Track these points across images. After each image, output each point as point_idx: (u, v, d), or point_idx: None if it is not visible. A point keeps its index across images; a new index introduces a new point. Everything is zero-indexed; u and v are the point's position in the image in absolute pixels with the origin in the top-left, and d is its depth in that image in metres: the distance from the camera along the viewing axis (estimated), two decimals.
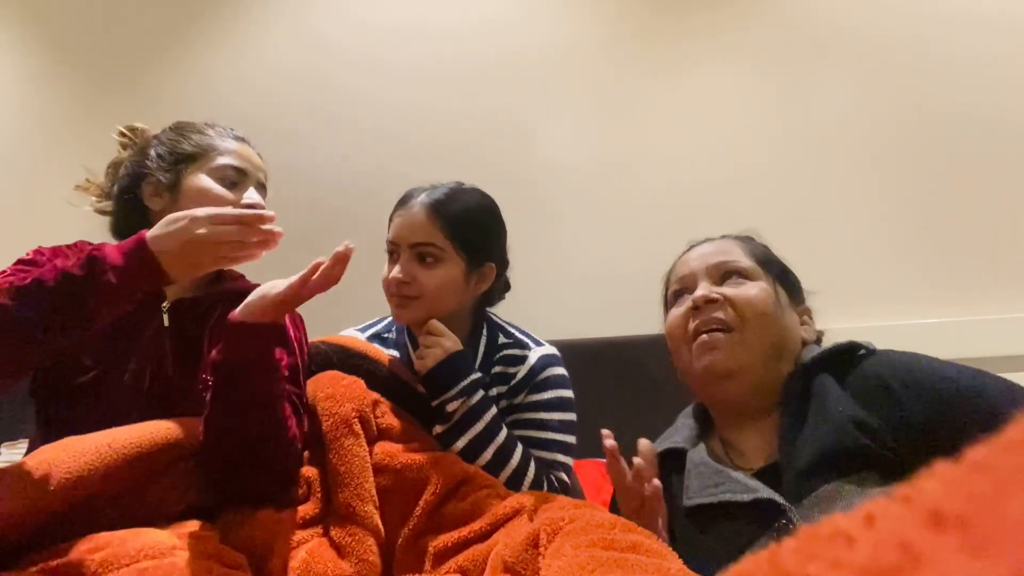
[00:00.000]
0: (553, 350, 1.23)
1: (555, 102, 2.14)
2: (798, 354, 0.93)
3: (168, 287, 1.03)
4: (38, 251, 1.01)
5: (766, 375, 0.91)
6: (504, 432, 1.08)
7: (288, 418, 0.95)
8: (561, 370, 1.21)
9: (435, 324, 1.10)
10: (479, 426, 1.06)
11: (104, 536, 0.75)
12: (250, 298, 0.89)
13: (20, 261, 0.98)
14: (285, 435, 0.94)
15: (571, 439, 1.17)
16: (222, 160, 1.08)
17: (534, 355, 1.19)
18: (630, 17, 2.12)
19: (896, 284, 1.82)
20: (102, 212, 1.16)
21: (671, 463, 0.98)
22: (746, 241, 1.01)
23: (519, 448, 1.08)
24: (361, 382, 1.06)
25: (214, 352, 0.90)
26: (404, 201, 1.17)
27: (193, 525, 0.85)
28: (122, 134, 1.19)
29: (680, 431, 1.02)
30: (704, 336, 0.92)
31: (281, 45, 2.33)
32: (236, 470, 0.91)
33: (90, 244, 1.07)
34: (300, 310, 1.16)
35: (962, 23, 1.88)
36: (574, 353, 1.38)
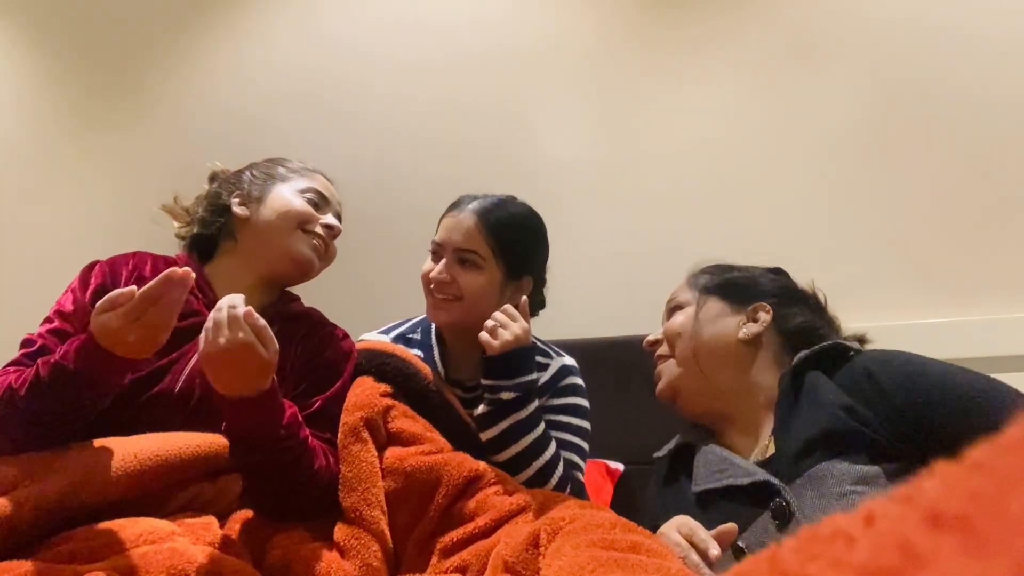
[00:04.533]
0: (573, 361, 1.28)
1: (556, 100, 2.14)
2: (753, 352, 0.99)
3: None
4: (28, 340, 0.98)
5: (706, 381, 1.00)
6: (542, 424, 1.10)
7: (318, 471, 0.94)
8: (579, 380, 1.26)
9: (510, 308, 1.11)
10: (523, 414, 1.07)
11: (104, 524, 0.76)
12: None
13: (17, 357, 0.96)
14: (313, 486, 0.93)
15: (586, 445, 1.21)
16: (308, 183, 1.17)
17: (557, 363, 1.24)
18: (631, 14, 2.12)
19: (896, 284, 1.82)
20: (180, 237, 1.19)
21: (683, 458, 1.03)
22: (698, 275, 1.10)
23: (553, 444, 1.10)
24: (374, 389, 1.06)
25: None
26: (456, 205, 1.22)
27: (194, 516, 0.86)
28: (212, 176, 1.25)
29: (689, 432, 1.07)
30: (656, 370, 1.08)
31: (283, 42, 2.33)
32: (271, 508, 0.93)
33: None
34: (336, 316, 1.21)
35: (960, 27, 1.87)
36: (574, 353, 1.39)
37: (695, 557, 0.75)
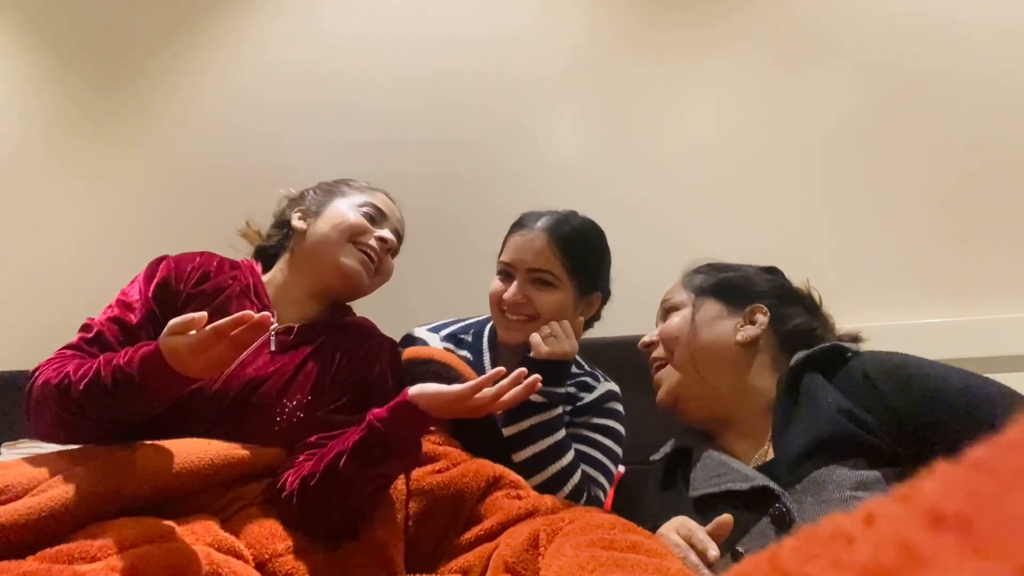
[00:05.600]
0: (617, 388, 1.29)
1: (555, 101, 2.14)
2: (750, 355, 0.99)
3: (287, 310, 1.11)
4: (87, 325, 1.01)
5: (705, 386, 0.98)
6: (563, 433, 1.11)
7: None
8: (620, 407, 1.26)
9: (567, 324, 1.14)
10: (545, 416, 1.09)
11: (103, 524, 0.77)
12: (433, 388, 0.90)
13: (75, 342, 0.98)
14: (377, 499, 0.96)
15: (614, 468, 1.21)
16: (366, 198, 1.18)
17: (603, 388, 1.26)
18: (630, 16, 2.12)
19: (892, 284, 1.82)
20: (256, 259, 1.22)
21: (679, 461, 1.03)
22: (692, 275, 1.09)
23: (572, 451, 1.11)
24: None
25: (373, 414, 0.90)
26: (522, 224, 1.22)
27: (194, 516, 0.86)
28: (285, 199, 1.27)
29: (686, 435, 1.06)
30: (653, 375, 1.06)
31: (280, 45, 2.33)
32: (328, 521, 0.92)
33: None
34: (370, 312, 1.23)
35: (962, 23, 1.87)
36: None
37: (694, 558, 0.75)
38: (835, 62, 1.95)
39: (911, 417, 0.81)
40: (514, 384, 0.88)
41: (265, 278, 1.15)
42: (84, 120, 2.43)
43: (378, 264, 1.14)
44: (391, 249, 1.17)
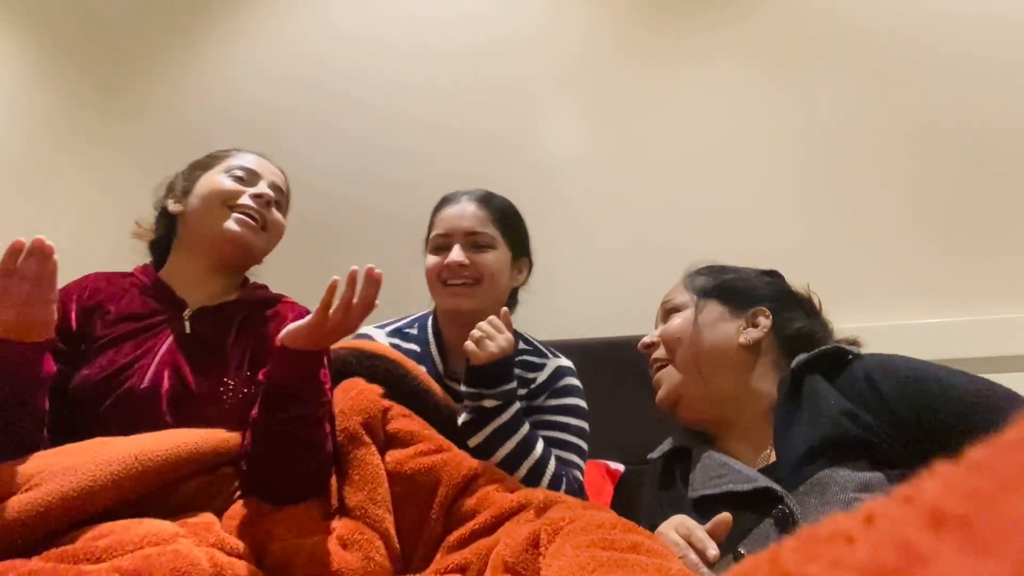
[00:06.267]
0: (569, 362, 1.29)
1: (557, 99, 2.14)
2: (752, 358, 0.98)
3: (192, 293, 1.10)
4: None
5: (708, 388, 0.98)
6: (527, 425, 1.11)
7: (328, 434, 0.98)
8: (577, 381, 1.26)
9: (496, 320, 1.13)
10: (504, 417, 1.09)
11: (108, 525, 0.77)
12: (296, 325, 0.91)
13: None
14: (326, 448, 0.97)
15: (585, 446, 1.21)
16: (232, 161, 1.16)
17: (552, 364, 1.25)
18: (633, 14, 2.12)
19: (896, 284, 1.82)
20: (151, 255, 1.23)
21: (677, 460, 1.02)
22: (693, 276, 1.08)
23: (540, 443, 1.11)
24: (371, 389, 1.07)
25: (262, 372, 0.93)
26: (451, 198, 1.26)
27: (197, 516, 0.86)
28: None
29: (685, 434, 1.06)
30: (653, 376, 1.06)
31: (283, 41, 2.33)
32: (278, 479, 0.94)
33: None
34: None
35: (963, 22, 1.87)
36: (574, 353, 1.39)
37: (693, 557, 0.75)
38: (831, 66, 1.95)
39: (913, 418, 0.81)
40: (353, 284, 0.87)
41: (163, 272, 1.15)
42: (86, 119, 2.43)
43: (263, 221, 1.13)
44: (271, 202, 1.14)
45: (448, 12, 2.23)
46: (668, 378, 1.02)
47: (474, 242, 1.20)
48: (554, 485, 1.08)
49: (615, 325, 1.78)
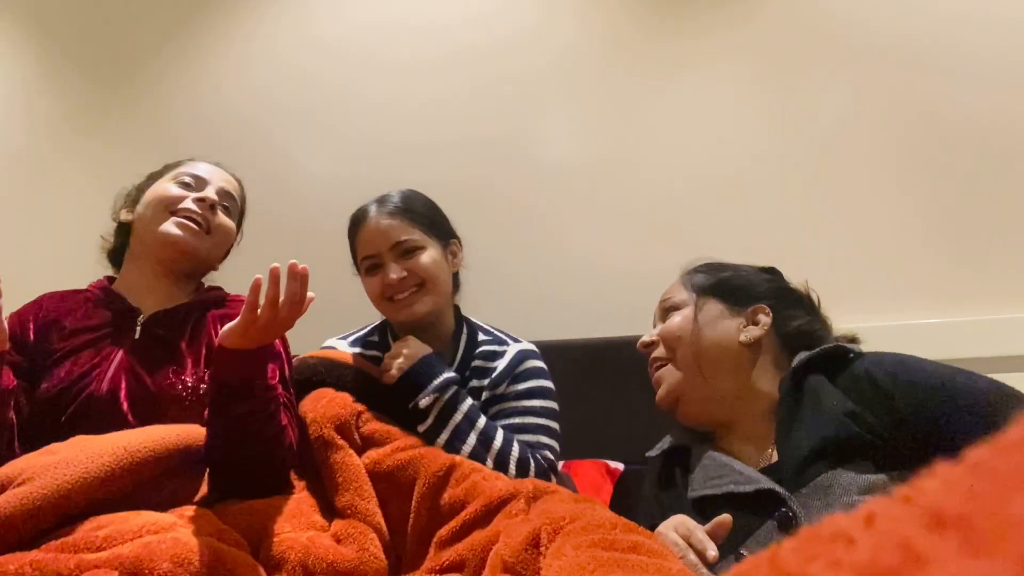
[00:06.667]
0: (531, 346, 1.29)
1: (553, 102, 2.14)
2: (753, 356, 0.98)
3: (145, 300, 1.12)
4: None
5: (709, 387, 0.97)
6: (483, 418, 1.12)
7: (285, 426, 0.99)
8: (540, 363, 1.26)
9: (397, 343, 1.17)
10: (457, 416, 1.10)
11: (106, 516, 0.77)
12: (230, 325, 0.90)
13: None
14: (284, 441, 0.98)
15: (554, 424, 1.21)
16: (184, 169, 1.18)
17: (512, 349, 1.25)
18: (630, 17, 2.12)
19: (896, 284, 1.82)
20: (111, 264, 1.25)
21: (677, 459, 1.02)
22: (691, 274, 1.08)
23: (500, 431, 1.12)
24: (341, 397, 1.09)
25: (210, 372, 0.93)
26: (358, 223, 1.24)
27: (193, 508, 0.87)
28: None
29: (684, 432, 1.05)
30: (653, 375, 1.05)
31: (278, 46, 2.33)
32: (239, 475, 0.95)
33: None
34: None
35: (961, 24, 1.87)
36: (573, 353, 1.39)
37: (693, 557, 0.74)
38: (829, 67, 1.95)
39: (916, 419, 0.80)
40: (276, 282, 0.86)
41: (116, 283, 1.17)
42: (88, 119, 2.43)
43: (207, 225, 1.13)
44: (215, 206, 1.14)
45: (442, 16, 2.23)
46: (668, 377, 1.01)
47: (402, 250, 1.18)
48: (522, 469, 1.09)
49: (615, 325, 1.78)
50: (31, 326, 1.08)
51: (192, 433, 0.94)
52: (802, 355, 0.93)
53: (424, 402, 1.09)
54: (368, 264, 1.21)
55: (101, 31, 2.46)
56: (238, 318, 0.88)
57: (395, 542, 0.96)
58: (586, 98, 2.12)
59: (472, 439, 1.08)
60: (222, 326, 1.06)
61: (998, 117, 1.82)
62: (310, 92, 2.28)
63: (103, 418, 0.98)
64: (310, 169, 2.21)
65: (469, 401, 1.13)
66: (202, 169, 1.19)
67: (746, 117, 2.00)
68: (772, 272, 1.08)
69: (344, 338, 1.32)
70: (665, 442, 1.05)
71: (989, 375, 0.83)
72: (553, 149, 2.11)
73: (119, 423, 0.98)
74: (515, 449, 1.10)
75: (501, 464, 1.08)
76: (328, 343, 1.31)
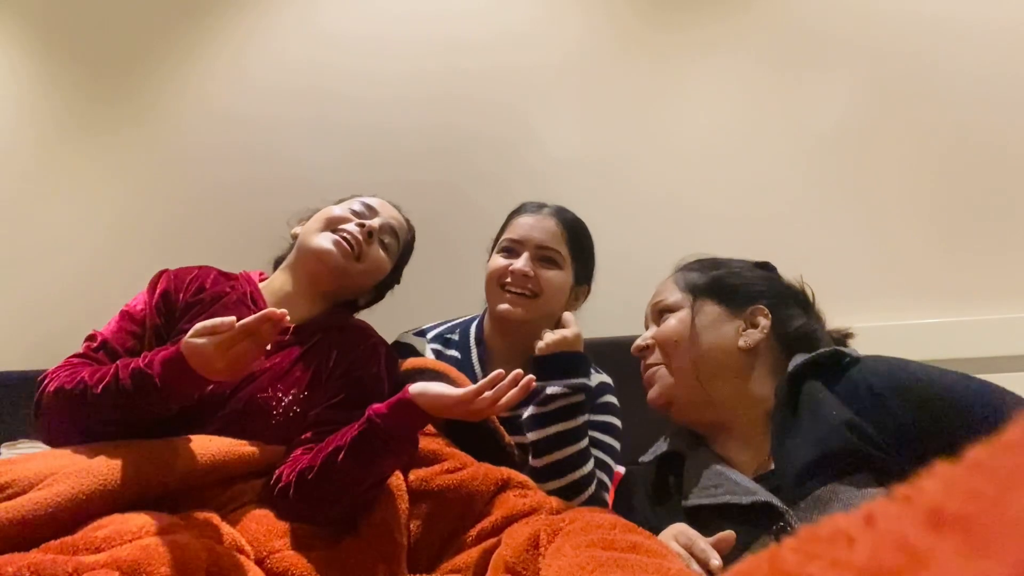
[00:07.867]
0: (609, 379, 1.27)
1: (556, 100, 2.14)
2: (751, 361, 0.95)
3: (279, 308, 1.10)
4: (92, 336, 1.04)
5: (704, 393, 0.94)
6: (587, 440, 1.09)
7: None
8: (616, 400, 1.24)
9: (568, 315, 1.16)
10: (571, 424, 1.07)
11: (107, 517, 0.77)
12: (436, 388, 0.90)
13: (81, 350, 1.03)
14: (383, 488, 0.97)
15: (614, 467, 1.19)
16: (357, 198, 1.21)
17: (596, 379, 1.22)
18: (631, 16, 2.12)
19: (896, 284, 1.82)
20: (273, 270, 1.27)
21: (669, 465, 0.99)
22: (684, 272, 1.04)
23: (592, 461, 1.09)
24: None
25: (372, 409, 0.91)
26: (531, 207, 1.25)
27: (197, 512, 0.87)
28: None
29: (678, 436, 1.03)
30: (645, 374, 1.02)
31: (282, 43, 2.33)
32: (329, 508, 0.92)
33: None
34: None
35: (959, 27, 1.87)
36: None
37: (696, 566, 0.73)
38: (830, 64, 1.95)
39: (916, 427, 0.78)
40: (512, 386, 0.87)
41: (262, 285, 1.17)
42: (89, 121, 2.43)
43: (359, 251, 1.12)
44: (373, 234, 1.13)
45: (448, 12, 2.23)
46: (661, 379, 0.99)
47: (543, 256, 1.19)
48: (592, 502, 1.06)
49: (615, 325, 1.78)
50: (181, 295, 1.09)
51: (233, 451, 0.93)
52: (798, 360, 0.90)
53: (552, 390, 1.06)
54: (507, 245, 1.22)
55: (102, 26, 2.46)
56: (454, 391, 0.88)
57: (426, 556, 0.94)
58: (587, 94, 2.11)
59: (570, 451, 1.06)
60: (340, 353, 1.08)
61: (1000, 117, 1.82)
62: (313, 89, 2.28)
63: (198, 413, 0.97)
64: (314, 165, 2.21)
65: (587, 417, 1.10)
66: (374, 201, 1.21)
67: (747, 115, 2.00)
68: (766, 267, 1.05)
69: (421, 334, 1.30)
70: (659, 447, 1.02)
71: (989, 375, 0.82)
72: (553, 146, 2.10)
73: (208, 422, 0.97)
74: (594, 485, 1.08)
75: (576, 489, 1.05)
76: (405, 339, 1.29)
